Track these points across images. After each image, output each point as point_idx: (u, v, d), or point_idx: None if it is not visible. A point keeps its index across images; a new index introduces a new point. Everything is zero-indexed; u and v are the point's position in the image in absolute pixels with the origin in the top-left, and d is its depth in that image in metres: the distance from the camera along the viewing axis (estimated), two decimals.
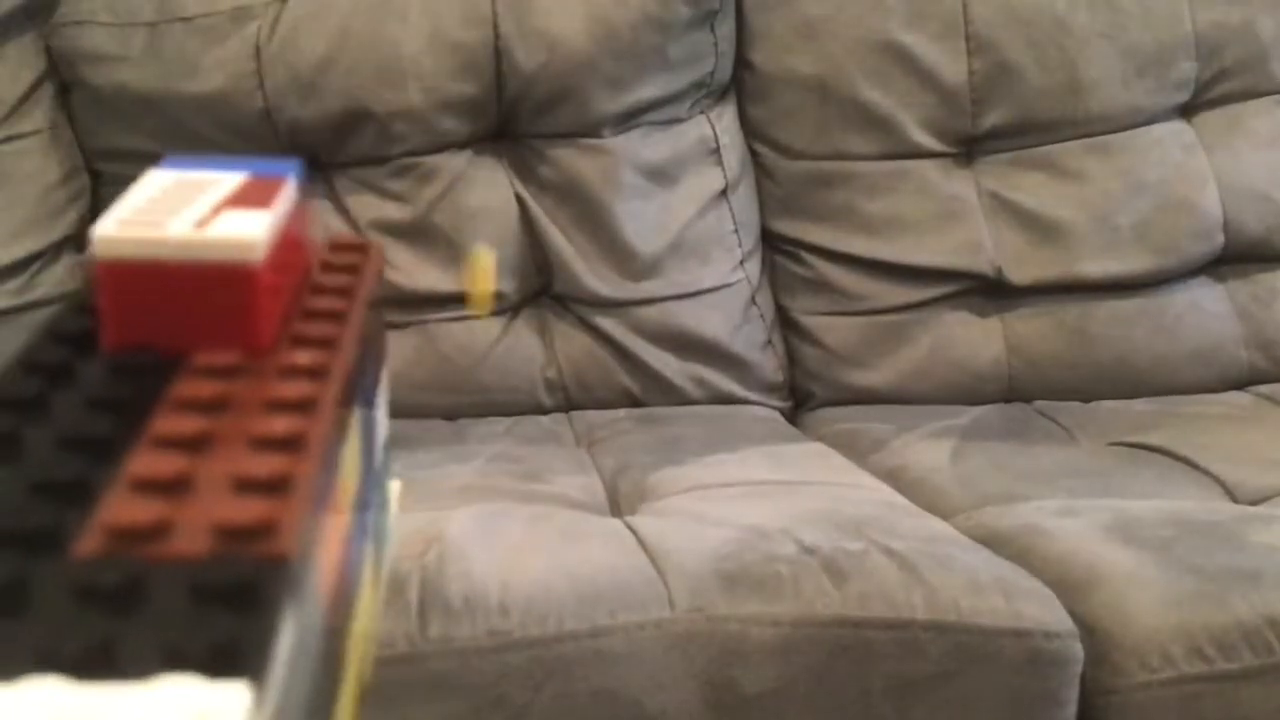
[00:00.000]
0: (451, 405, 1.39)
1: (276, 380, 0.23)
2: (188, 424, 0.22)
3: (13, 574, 0.18)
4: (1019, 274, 1.46)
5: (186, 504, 0.20)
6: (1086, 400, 1.45)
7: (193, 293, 0.24)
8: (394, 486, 0.34)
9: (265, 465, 0.21)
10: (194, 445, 0.21)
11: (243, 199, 0.26)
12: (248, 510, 0.19)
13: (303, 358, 0.24)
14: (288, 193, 0.27)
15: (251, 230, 0.24)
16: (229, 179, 0.27)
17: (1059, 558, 1.01)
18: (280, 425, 0.22)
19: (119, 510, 0.19)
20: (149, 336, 0.24)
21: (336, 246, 0.30)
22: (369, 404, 0.29)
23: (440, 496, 1.06)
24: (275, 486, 0.20)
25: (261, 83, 1.35)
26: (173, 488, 0.20)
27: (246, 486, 0.20)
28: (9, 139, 1.35)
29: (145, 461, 0.21)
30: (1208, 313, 1.49)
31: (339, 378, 0.24)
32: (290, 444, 0.21)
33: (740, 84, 1.48)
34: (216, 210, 0.25)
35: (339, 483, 0.24)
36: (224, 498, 0.20)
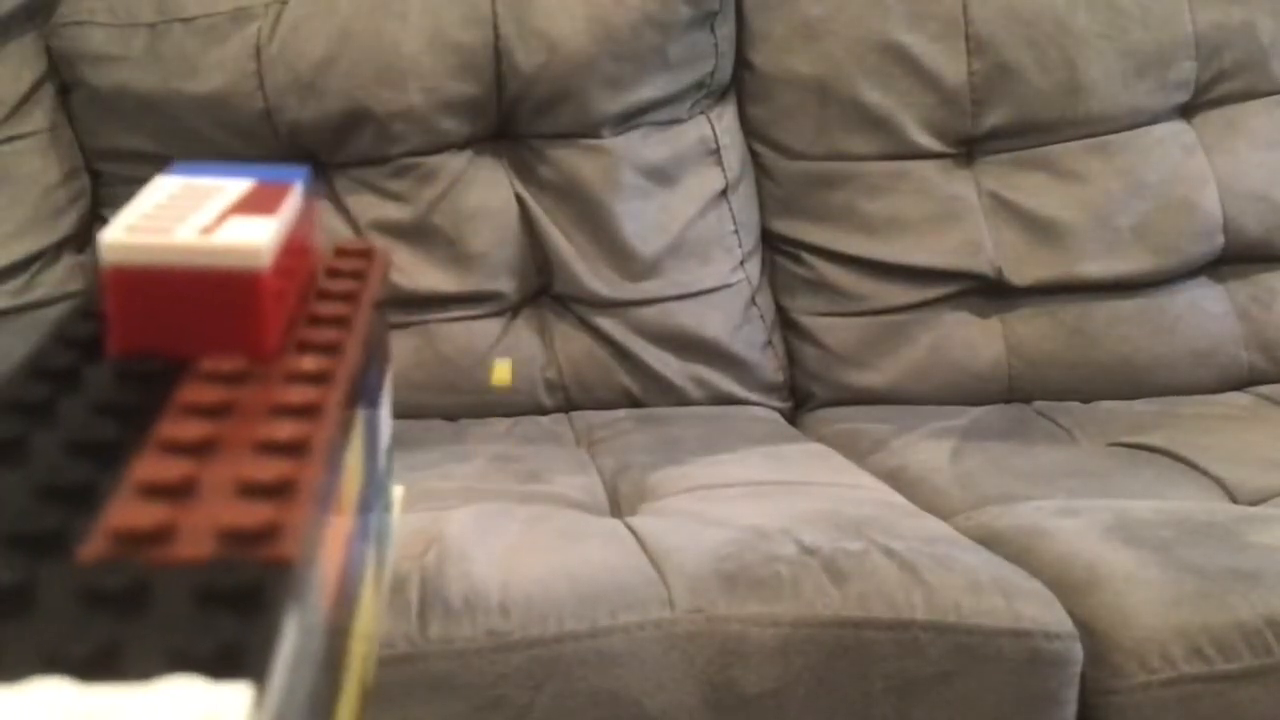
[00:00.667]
0: (451, 405, 1.39)
1: (281, 385, 0.24)
2: (193, 429, 0.22)
3: (19, 576, 0.18)
4: (1019, 274, 1.46)
5: (191, 508, 0.20)
6: (1086, 401, 1.45)
7: (199, 298, 0.24)
8: (397, 491, 0.35)
9: (269, 470, 0.21)
10: (199, 450, 0.21)
11: (249, 205, 0.26)
12: (252, 514, 0.20)
13: (308, 363, 0.24)
14: (294, 199, 0.27)
15: (258, 237, 0.24)
16: (236, 185, 0.27)
17: (1059, 558, 1.01)
18: (285, 430, 0.22)
19: (124, 514, 0.20)
20: (155, 342, 0.24)
21: (342, 252, 0.31)
22: (373, 407, 0.29)
23: (440, 496, 1.06)
24: (279, 491, 0.20)
25: (262, 83, 1.35)
26: (178, 492, 0.20)
27: (250, 491, 0.20)
28: (9, 139, 1.36)
29: (151, 466, 0.21)
30: (1207, 313, 1.49)
31: (343, 383, 0.24)
32: (294, 449, 0.21)
33: (740, 84, 1.48)
34: (223, 216, 0.25)
35: (342, 485, 0.24)
36: (228, 502, 0.20)
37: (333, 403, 0.23)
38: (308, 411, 0.23)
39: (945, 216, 1.46)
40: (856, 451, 1.30)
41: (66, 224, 1.38)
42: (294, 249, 0.26)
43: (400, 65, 1.36)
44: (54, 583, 0.18)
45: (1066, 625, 0.94)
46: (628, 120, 1.41)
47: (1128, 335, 1.47)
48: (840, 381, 1.47)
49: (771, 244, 1.50)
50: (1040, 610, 0.94)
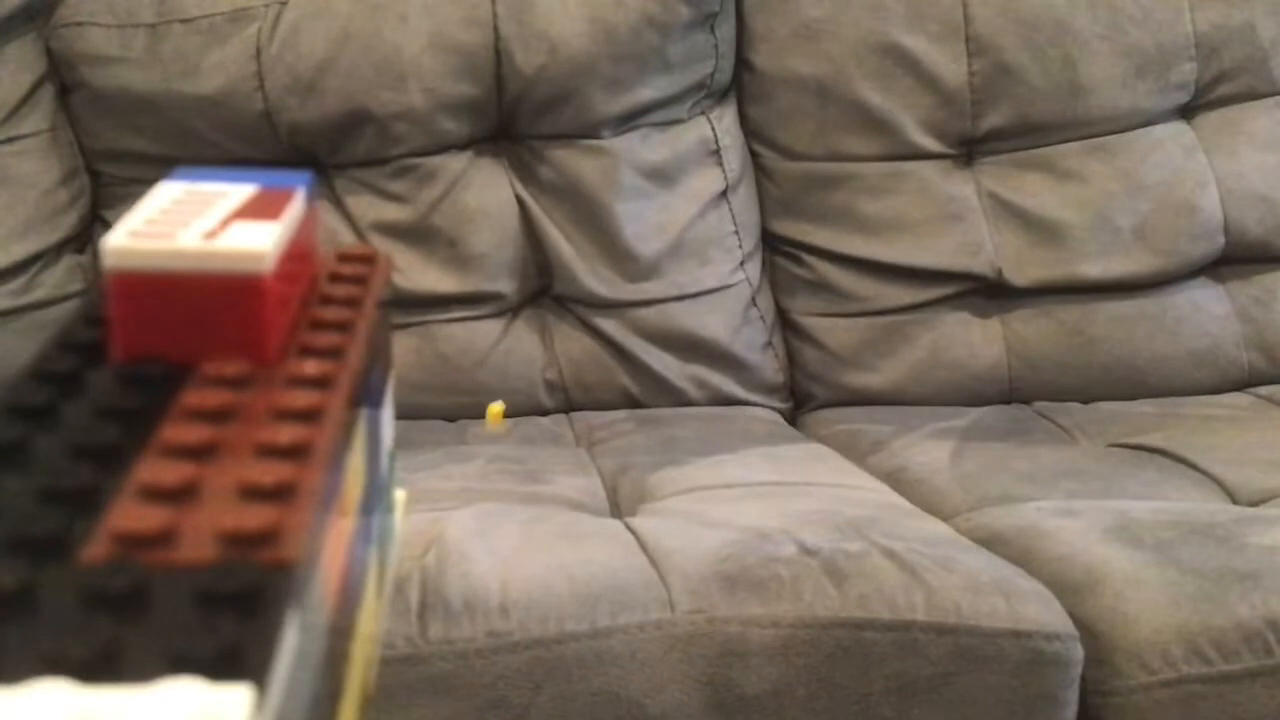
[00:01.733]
0: (451, 406, 1.39)
1: (284, 390, 0.24)
2: (195, 433, 0.22)
3: (22, 579, 0.18)
4: (1019, 275, 1.46)
5: (193, 511, 0.20)
6: (1086, 401, 1.46)
7: (202, 303, 0.24)
8: (400, 494, 0.35)
9: (271, 473, 0.21)
10: (201, 453, 0.22)
11: (252, 210, 0.26)
12: (253, 517, 0.20)
13: (310, 368, 0.24)
14: (297, 204, 0.27)
15: (261, 242, 0.24)
16: (239, 190, 0.27)
17: (1059, 559, 1.01)
18: (286, 434, 0.22)
19: (126, 517, 0.20)
20: (158, 346, 0.24)
21: (345, 257, 0.31)
22: (375, 410, 0.29)
23: (440, 497, 1.06)
24: (281, 494, 0.20)
25: (262, 84, 1.35)
26: (180, 495, 0.20)
27: (252, 494, 0.20)
28: (10, 140, 1.36)
29: (153, 469, 0.21)
30: (1208, 314, 1.49)
31: (346, 387, 0.24)
32: (296, 452, 0.22)
33: (740, 85, 1.48)
34: (226, 222, 0.25)
35: (344, 488, 0.24)
36: (230, 505, 0.20)
37: (335, 407, 0.23)
38: (310, 415, 0.23)
39: (945, 217, 1.46)
40: (856, 452, 1.30)
41: (67, 225, 1.38)
42: (297, 254, 0.27)
43: (400, 66, 1.36)
44: (56, 585, 0.18)
45: (1067, 626, 0.94)
46: (628, 121, 1.42)
47: (1128, 336, 1.47)
48: (840, 382, 1.47)
49: (771, 245, 1.50)
50: (1040, 611, 0.94)
